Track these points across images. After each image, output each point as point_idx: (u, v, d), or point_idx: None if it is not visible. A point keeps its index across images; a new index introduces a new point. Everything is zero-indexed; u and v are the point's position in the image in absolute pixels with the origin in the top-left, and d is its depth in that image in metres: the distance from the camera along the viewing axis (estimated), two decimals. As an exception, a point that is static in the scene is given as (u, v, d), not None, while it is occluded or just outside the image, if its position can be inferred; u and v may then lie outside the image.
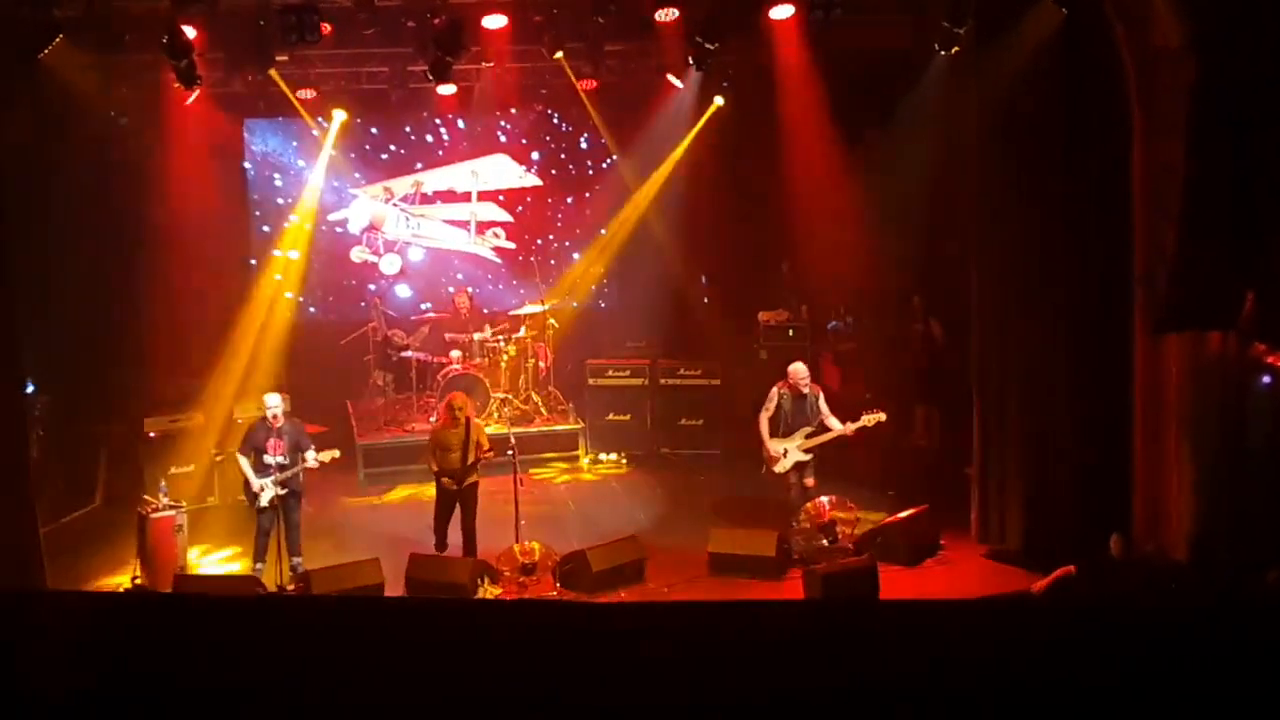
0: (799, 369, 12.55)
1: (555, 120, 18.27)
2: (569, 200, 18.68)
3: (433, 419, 12.67)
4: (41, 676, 3.58)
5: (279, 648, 3.76)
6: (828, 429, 12.36)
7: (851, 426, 12.26)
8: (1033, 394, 12.02)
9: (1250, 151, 9.81)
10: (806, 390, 12.42)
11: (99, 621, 3.98)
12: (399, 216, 17.64)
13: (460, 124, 18.04)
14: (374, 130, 17.94)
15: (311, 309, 18.04)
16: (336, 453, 12.25)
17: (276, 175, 17.80)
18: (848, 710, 3.49)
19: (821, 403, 12.46)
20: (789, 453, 12.39)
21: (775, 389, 12.56)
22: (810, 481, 12.48)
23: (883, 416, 12.29)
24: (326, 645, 3.75)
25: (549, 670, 3.59)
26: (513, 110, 17.89)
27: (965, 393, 12.78)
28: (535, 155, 18.23)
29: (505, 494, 12.54)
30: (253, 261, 17.64)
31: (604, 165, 18.56)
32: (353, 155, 17.87)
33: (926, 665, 3.62)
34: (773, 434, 12.49)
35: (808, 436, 12.38)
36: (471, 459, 12.14)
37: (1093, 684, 3.51)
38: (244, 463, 11.86)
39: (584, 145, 18.59)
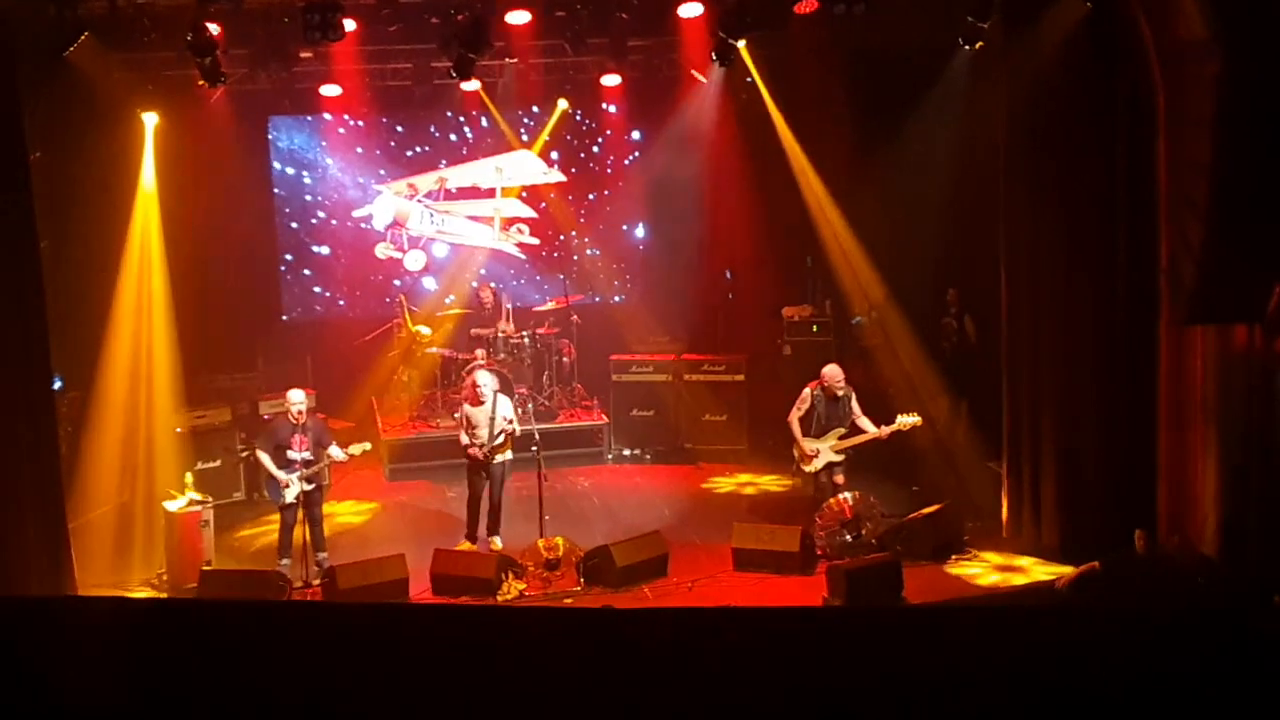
0: (835, 371, 12.41)
1: (578, 116, 18.26)
2: (592, 196, 18.68)
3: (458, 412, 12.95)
4: (69, 683, 3.60)
5: (304, 656, 3.77)
6: (861, 430, 12.30)
7: (886, 430, 12.17)
8: (1061, 387, 11.97)
9: (1276, 142, 9.75)
10: (841, 392, 12.35)
11: (126, 628, 4.00)
12: (423, 213, 17.67)
13: (484, 121, 18.04)
14: (399, 129, 17.98)
15: (341, 301, 18.12)
16: (368, 445, 12.31)
17: (305, 173, 17.88)
18: (867, 714, 3.48)
19: (854, 403, 12.38)
20: (821, 453, 12.34)
21: (808, 389, 12.46)
22: (840, 479, 12.42)
23: (918, 420, 12.19)
24: (351, 653, 3.76)
25: (566, 679, 3.59)
26: (534, 109, 17.89)
27: (992, 388, 12.73)
28: (555, 154, 18.20)
29: (529, 489, 12.57)
30: (289, 257, 17.81)
31: (626, 162, 18.59)
32: (378, 152, 17.93)
33: (950, 670, 3.60)
34: (804, 433, 12.43)
35: (841, 438, 12.33)
36: (497, 430, 12.35)
37: (1113, 689, 3.48)
38: (265, 459, 11.92)
39: (607, 141, 18.60)
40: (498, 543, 12.58)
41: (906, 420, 12.16)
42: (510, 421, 12.50)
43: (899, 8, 12.84)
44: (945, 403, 14.27)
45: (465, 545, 12.54)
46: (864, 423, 12.29)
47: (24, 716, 3.52)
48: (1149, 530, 10.39)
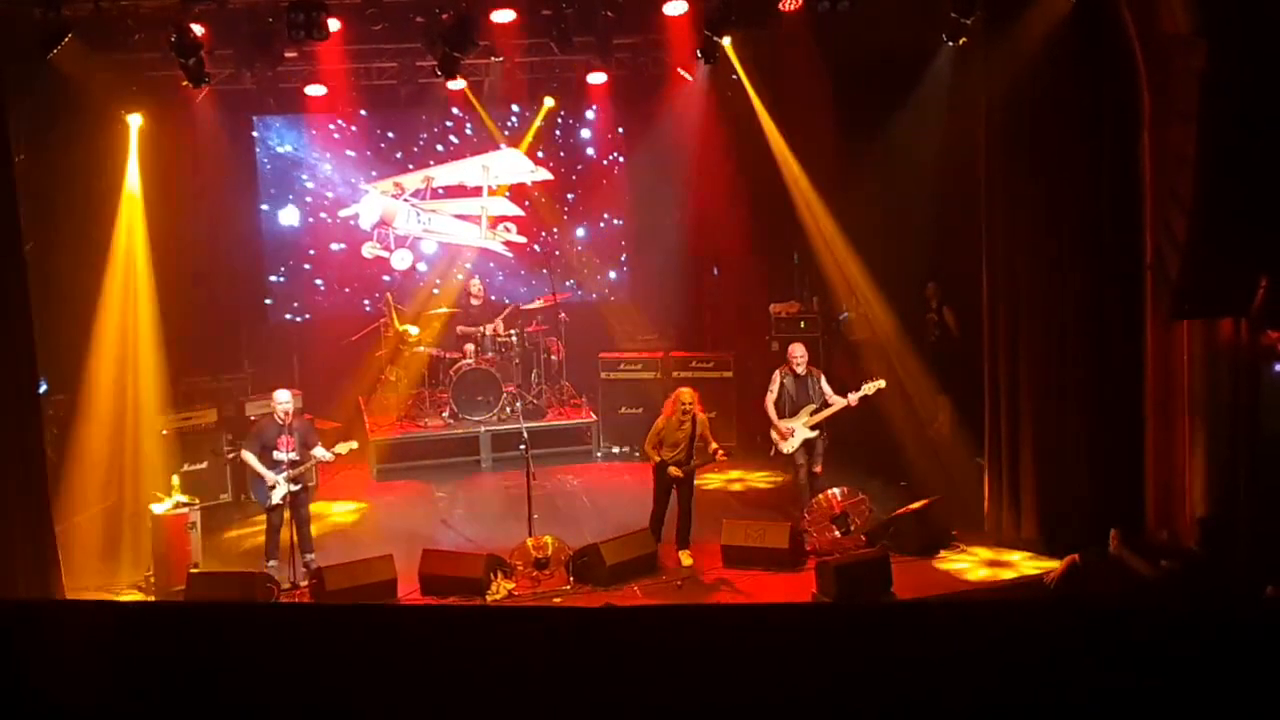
0: (795, 349, 12.73)
1: (563, 115, 18.25)
2: (578, 194, 18.68)
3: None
4: (57, 686, 3.58)
5: (293, 658, 3.76)
6: (831, 405, 12.44)
7: (854, 397, 12.35)
8: (1044, 382, 11.99)
9: (1262, 137, 9.77)
10: (803, 371, 12.56)
11: (113, 630, 3.98)
12: (410, 212, 17.64)
13: (469, 121, 18.03)
14: (386, 128, 17.98)
15: (328, 300, 18.11)
16: (354, 444, 12.25)
17: (291, 173, 17.85)
18: (858, 711, 3.47)
19: (824, 383, 12.59)
20: (796, 431, 12.45)
21: (777, 372, 12.74)
22: (818, 468, 12.52)
23: (882, 383, 12.44)
24: (341, 654, 3.75)
25: (556, 679, 3.58)
26: (520, 107, 17.87)
27: (978, 382, 12.75)
28: (541, 153, 18.18)
29: (518, 488, 12.54)
30: (311, 252, 17.90)
31: (611, 160, 18.61)
32: (369, 153, 17.92)
33: (939, 665, 3.59)
34: (779, 416, 12.58)
35: (813, 413, 12.46)
36: (698, 459, 12.03)
37: (1103, 682, 3.48)
38: (252, 460, 11.85)
39: (593, 139, 18.61)
40: (688, 558, 12.12)
41: (871, 386, 12.39)
42: (715, 449, 12.04)
43: (883, 4, 12.86)
44: (934, 398, 14.30)
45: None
46: (833, 397, 12.48)
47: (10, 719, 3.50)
48: (1128, 528, 10.39)
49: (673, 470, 11.99)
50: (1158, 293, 11.07)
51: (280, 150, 17.78)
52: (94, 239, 13.85)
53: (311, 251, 18.03)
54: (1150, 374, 11.30)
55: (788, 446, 12.53)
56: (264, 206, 17.84)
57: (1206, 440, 10.72)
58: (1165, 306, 10.91)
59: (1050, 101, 11.66)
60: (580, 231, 18.77)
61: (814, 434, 12.50)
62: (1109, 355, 11.64)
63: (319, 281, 18.13)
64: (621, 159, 18.63)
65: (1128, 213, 11.34)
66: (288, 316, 18.03)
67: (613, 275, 18.86)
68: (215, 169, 16.04)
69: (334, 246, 18.00)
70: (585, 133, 18.60)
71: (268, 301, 17.86)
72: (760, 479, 14.86)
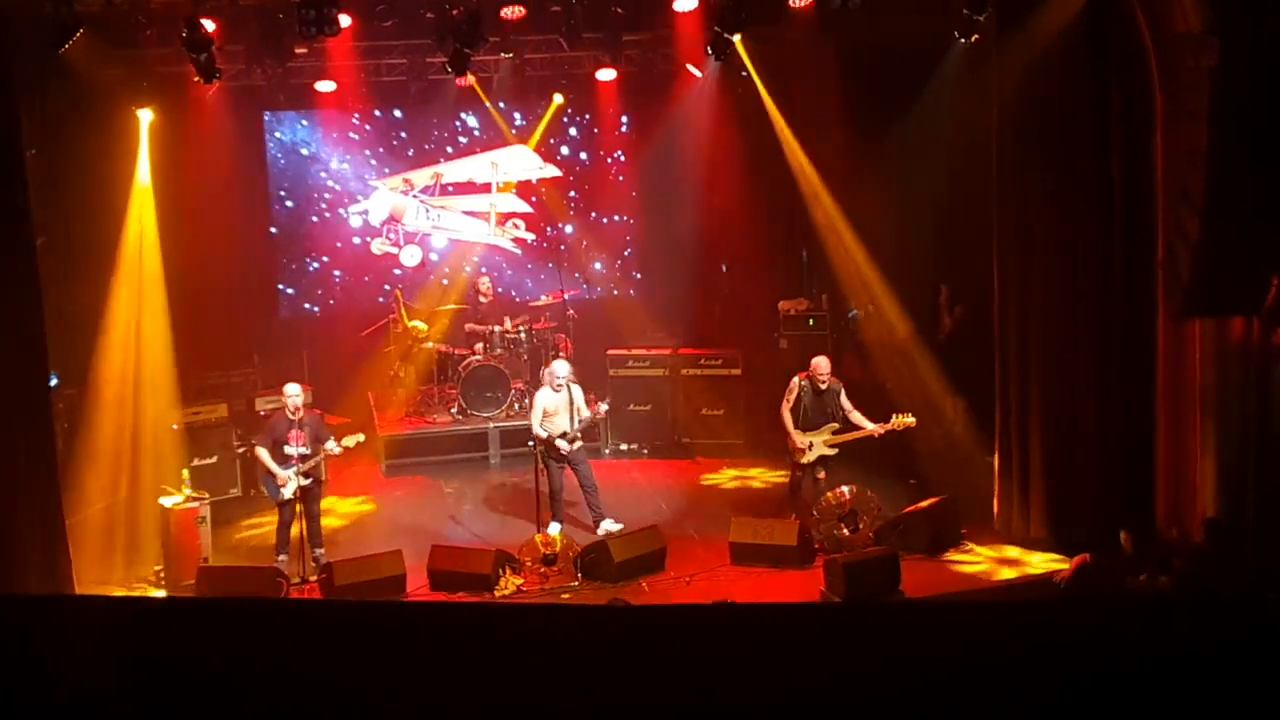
0: (821, 363, 12.41)
1: (572, 111, 18.24)
2: (586, 191, 18.68)
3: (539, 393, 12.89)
4: (66, 682, 3.59)
5: (305, 653, 3.76)
6: (855, 426, 12.25)
7: (882, 428, 12.14)
8: (1056, 381, 11.97)
9: (1273, 135, 9.74)
10: (826, 384, 12.30)
11: (124, 626, 3.99)
12: (419, 208, 17.65)
13: (477, 117, 18.05)
14: (395, 124, 18.01)
15: (366, 277, 18.19)
16: (361, 437, 12.25)
17: (301, 168, 17.90)
18: (866, 710, 3.47)
19: (843, 398, 12.35)
20: (814, 446, 12.33)
21: (796, 379, 12.48)
22: (821, 474, 12.43)
23: (912, 420, 12.15)
24: (352, 650, 3.75)
25: (565, 675, 3.59)
26: (523, 106, 17.87)
27: (989, 380, 12.73)
28: (549, 148, 18.18)
29: (526, 485, 12.52)
30: (338, 245, 17.98)
31: (618, 157, 18.60)
32: (380, 149, 17.95)
33: (947, 664, 3.59)
34: (794, 424, 12.45)
35: (835, 433, 12.31)
36: (578, 422, 12.49)
37: (1110, 685, 3.48)
38: (264, 455, 11.89)
39: (603, 136, 18.60)
40: (611, 526, 12.61)
41: (902, 420, 12.12)
42: (592, 412, 12.72)
43: (894, 1, 12.84)
44: (945, 396, 14.26)
45: (541, 537, 12.06)
46: (857, 417, 12.26)
47: (21, 716, 3.51)
48: (1138, 530, 10.37)
49: (558, 443, 12.37)
50: (1169, 291, 11.04)
51: (291, 146, 17.81)
52: (105, 234, 13.88)
53: (338, 244, 18.11)
54: (1161, 372, 11.27)
55: (805, 459, 12.41)
56: (285, 202, 17.90)
57: (1217, 439, 10.69)
58: (1176, 305, 10.89)
59: (1062, 99, 11.64)
60: (588, 228, 18.77)
61: (832, 452, 12.37)
62: (1120, 353, 11.62)
63: (337, 273, 18.18)
64: (630, 156, 18.62)
65: (1139, 210, 11.32)
66: (307, 306, 18.10)
67: (621, 272, 18.86)
68: (226, 164, 16.06)
69: (356, 240, 18.06)
70: (594, 129, 18.59)
71: (290, 291, 17.94)
72: (768, 476, 14.82)
